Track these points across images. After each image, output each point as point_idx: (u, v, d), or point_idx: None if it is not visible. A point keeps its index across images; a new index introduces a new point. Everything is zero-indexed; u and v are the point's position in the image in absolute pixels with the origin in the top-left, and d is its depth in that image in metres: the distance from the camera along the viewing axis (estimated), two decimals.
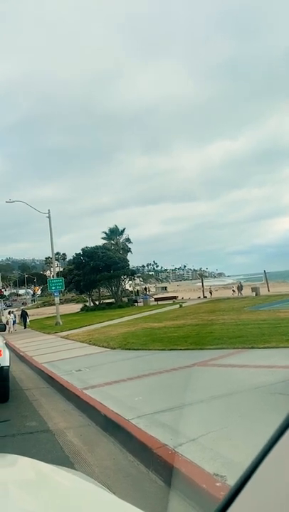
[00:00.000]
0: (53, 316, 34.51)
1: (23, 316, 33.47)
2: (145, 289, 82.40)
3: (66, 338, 19.59)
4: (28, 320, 33.43)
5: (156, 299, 55.44)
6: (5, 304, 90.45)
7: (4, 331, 10.61)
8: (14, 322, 32.54)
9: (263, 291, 47.01)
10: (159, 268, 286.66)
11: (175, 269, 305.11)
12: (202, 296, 57.96)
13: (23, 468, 1.84)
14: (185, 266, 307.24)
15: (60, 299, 36.30)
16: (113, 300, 53.66)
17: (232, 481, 3.32)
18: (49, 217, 33.36)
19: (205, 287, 64.91)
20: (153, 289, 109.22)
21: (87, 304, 55.22)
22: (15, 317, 33.49)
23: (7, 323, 31.79)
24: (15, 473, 1.76)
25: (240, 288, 55.58)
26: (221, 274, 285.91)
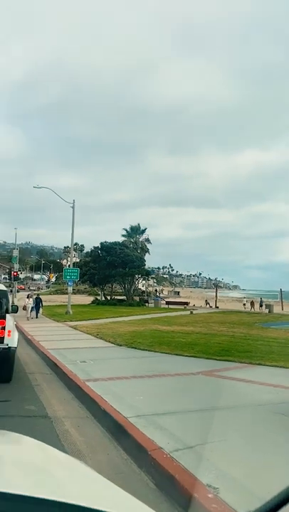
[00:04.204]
0: (64, 305, 34.59)
1: (37, 303, 28.78)
2: (156, 290, 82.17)
3: (74, 328, 19.68)
4: (41, 308, 29.15)
5: (168, 303, 55.27)
6: (28, 288, 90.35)
7: (16, 312, 10.69)
8: (33, 308, 27.98)
9: (277, 309, 46.47)
10: (174, 272, 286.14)
11: (190, 276, 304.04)
12: (214, 306, 57.61)
13: (26, 447, 1.86)
14: (200, 273, 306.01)
15: (72, 289, 36.47)
16: (125, 297, 53.72)
17: (225, 494, 3.28)
18: (73, 207, 33.44)
19: (211, 298, 64.61)
20: (165, 292, 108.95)
21: (99, 298, 55.39)
22: (34, 302, 28.46)
23: (24, 308, 26.47)
24: (16, 452, 1.77)
25: (253, 303, 55.03)
26: (236, 287, 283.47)
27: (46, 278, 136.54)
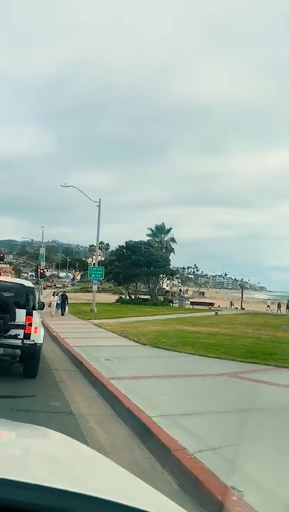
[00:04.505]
0: (89, 303, 34.80)
1: (63, 300, 28.45)
2: (180, 290, 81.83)
3: (99, 326, 19.83)
4: (67, 306, 28.50)
5: (192, 303, 55.11)
6: (54, 285, 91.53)
7: (42, 309, 10.84)
8: (58, 305, 27.89)
9: None
10: (199, 272, 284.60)
11: (215, 276, 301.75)
12: (240, 307, 57.10)
13: (54, 441, 1.88)
14: (226, 274, 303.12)
15: (97, 288, 36.71)
16: (149, 297, 53.80)
17: (250, 497, 3.23)
18: (99, 206, 33.65)
19: (236, 299, 64.08)
20: (190, 293, 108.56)
21: (123, 297, 55.63)
22: (60, 300, 28.38)
23: (49, 305, 26.30)
24: (43, 445, 1.80)
25: (280, 305, 54.22)
26: (262, 288, 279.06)
27: (71, 276, 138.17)
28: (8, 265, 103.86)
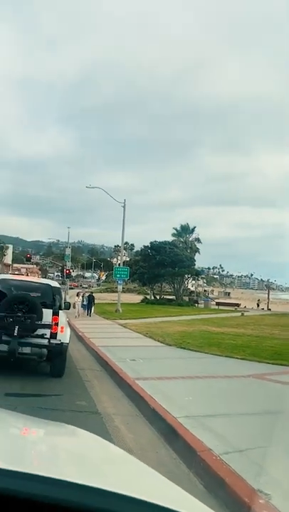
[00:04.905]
0: (114, 303, 34.94)
1: (90, 301, 27.99)
2: (205, 290, 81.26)
3: (124, 327, 19.92)
4: (93, 307, 28.01)
5: (218, 303, 54.71)
6: (80, 285, 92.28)
7: (69, 309, 10.98)
8: (85, 306, 27.63)
9: None
10: (224, 272, 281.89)
11: (241, 277, 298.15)
12: (266, 308, 56.31)
13: (82, 440, 1.91)
14: (252, 274, 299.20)
15: (122, 288, 36.86)
16: (174, 297, 53.65)
17: (277, 501, 3.19)
18: (124, 206, 33.81)
19: (263, 300, 63.25)
20: (216, 293, 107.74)
21: (148, 297, 55.62)
22: (86, 300, 28.03)
23: (74, 306, 24.81)
24: (72, 443, 1.83)
25: None
26: None
27: (97, 276, 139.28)
28: (35, 266, 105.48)
